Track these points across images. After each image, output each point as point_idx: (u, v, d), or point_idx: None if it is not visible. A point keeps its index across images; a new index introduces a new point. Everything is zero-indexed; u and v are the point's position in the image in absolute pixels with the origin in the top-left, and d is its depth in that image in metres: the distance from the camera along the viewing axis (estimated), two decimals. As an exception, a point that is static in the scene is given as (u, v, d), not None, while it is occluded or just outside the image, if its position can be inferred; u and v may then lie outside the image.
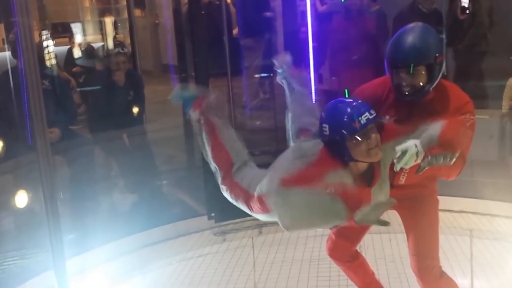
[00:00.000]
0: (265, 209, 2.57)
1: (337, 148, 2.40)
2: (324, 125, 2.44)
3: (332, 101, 2.51)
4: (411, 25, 2.68)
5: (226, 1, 6.68)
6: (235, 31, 7.08)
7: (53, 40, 5.96)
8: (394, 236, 4.41)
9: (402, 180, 2.80)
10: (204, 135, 2.94)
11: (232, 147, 2.87)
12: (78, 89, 5.75)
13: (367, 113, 2.38)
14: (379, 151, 2.41)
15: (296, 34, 5.73)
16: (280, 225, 2.45)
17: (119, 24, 7.74)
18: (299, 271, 4.13)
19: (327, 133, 2.43)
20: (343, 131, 2.37)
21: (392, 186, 2.79)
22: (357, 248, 3.18)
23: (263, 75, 7.26)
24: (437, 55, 2.56)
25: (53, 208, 2.72)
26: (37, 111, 2.65)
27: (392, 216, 4.77)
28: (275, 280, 4.05)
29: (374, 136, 2.39)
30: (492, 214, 4.77)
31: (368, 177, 2.50)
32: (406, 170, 2.62)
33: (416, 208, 2.83)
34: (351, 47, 6.33)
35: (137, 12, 8.68)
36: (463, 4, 5.47)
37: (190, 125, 5.65)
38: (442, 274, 2.93)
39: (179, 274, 4.23)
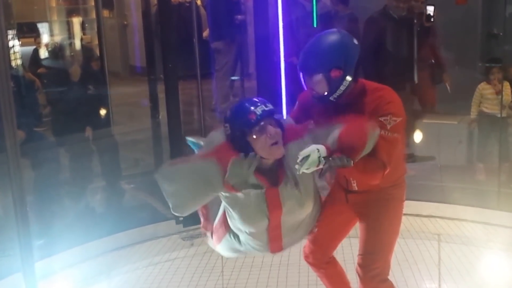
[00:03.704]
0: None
1: (240, 146, 2.40)
2: (225, 124, 2.45)
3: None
4: (326, 32, 2.63)
5: (196, 3, 6.64)
6: (205, 34, 7.05)
7: (18, 40, 5.85)
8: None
9: (355, 185, 2.77)
10: None
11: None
12: (44, 90, 5.65)
13: (262, 105, 2.38)
14: (281, 148, 2.40)
15: (267, 38, 5.70)
16: (170, 207, 2.54)
17: (86, 25, 7.63)
18: (268, 276, 4.10)
19: (229, 131, 2.43)
20: (241, 125, 2.38)
21: (348, 191, 2.81)
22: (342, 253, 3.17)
23: (233, 78, 7.24)
24: (333, 68, 2.49)
25: (22, 211, 2.71)
26: (7, 113, 2.61)
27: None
28: (244, 286, 4.01)
29: (274, 130, 2.37)
30: (460, 218, 4.81)
31: (273, 176, 2.48)
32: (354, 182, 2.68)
33: (371, 210, 2.77)
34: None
35: (105, 13, 8.55)
36: (428, 12, 5.53)
37: (159, 128, 5.64)
38: (385, 281, 2.81)
39: (146, 279, 4.17)
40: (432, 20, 5.56)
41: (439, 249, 4.27)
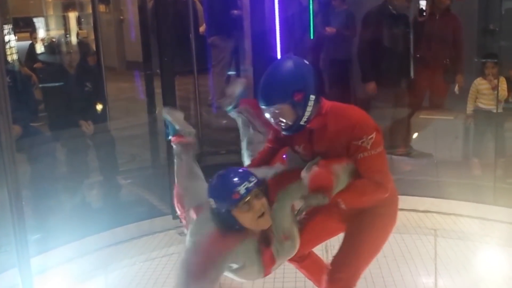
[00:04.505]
0: None
1: (227, 220, 2.39)
2: (210, 199, 2.44)
3: (216, 175, 2.51)
4: (276, 62, 2.67)
5: (193, -2, 6.62)
6: (202, 29, 7.03)
7: (14, 35, 5.83)
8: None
9: (343, 205, 2.71)
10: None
11: (188, 191, 2.89)
12: (40, 85, 5.64)
13: (245, 182, 2.35)
14: (268, 219, 2.39)
15: (264, 33, 5.69)
16: None
17: (82, 20, 7.61)
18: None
19: (214, 206, 2.43)
20: (226, 204, 2.36)
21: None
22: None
23: (230, 73, 7.24)
24: (295, 93, 2.49)
25: (18, 206, 2.69)
26: (2, 108, 2.60)
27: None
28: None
29: (260, 203, 2.36)
30: (456, 213, 4.82)
31: (265, 238, 2.50)
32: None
33: (357, 222, 2.75)
34: (318, 47, 6.35)
35: (102, 8, 8.54)
36: (421, 7, 5.55)
37: (155, 123, 5.64)
38: None
39: (143, 274, 4.16)
40: (424, 14, 5.57)
41: (435, 244, 4.28)
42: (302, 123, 2.56)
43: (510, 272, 3.90)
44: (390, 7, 5.62)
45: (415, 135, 5.75)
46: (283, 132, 2.64)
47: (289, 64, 2.57)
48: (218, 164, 4.74)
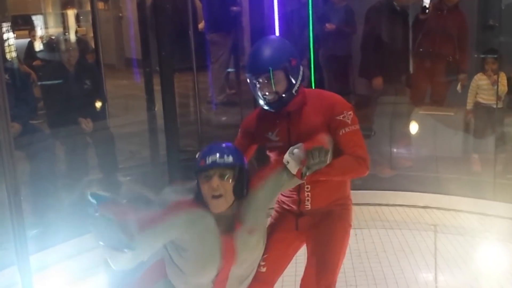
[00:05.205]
0: None
1: (197, 186, 2.37)
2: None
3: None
4: (264, 38, 2.77)
5: (192, -5, 6.61)
6: (201, 26, 7.03)
7: (13, 33, 5.83)
8: (359, 231, 4.43)
9: (308, 205, 2.73)
10: None
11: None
12: (39, 83, 5.63)
13: (217, 156, 2.31)
14: (222, 205, 2.31)
15: (263, 29, 5.69)
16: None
17: (81, 17, 7.60)
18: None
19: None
20: (195, 166, 2.36)
21: (299, 215, 2.77)
22: None
23: (229, 70, 7.23)
24: (291, 58, 2.61)
25: (17, 204, 2.69)
26: (1, 105, 2.61)
27: (358, 211, 4.81)
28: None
29: (219, 183, 2.29)
30: (456, 209, 4.82)
31: (228, 225, 2.39)
32: (308, 195, 2.68)
33: (321, 228, 2.73)
34: (318, 43, 6.34)
35: (100, 5, 8.53)
36: (424, 4, 5.52)
37: (154, 120, 5.63)
38: None
39: (143, 271, 4.15)
40: (427, 11, 5.55)
41: (435, 240, 4.29)
42: (293, 91, 2.62)
43: (509, 267, 3.91)
44: (395, 3, 5.59)
45: (414, 131, 5.74)
46: (268, 107, 2.64)
47: (278, 38, 2.83)
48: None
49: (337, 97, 2.72)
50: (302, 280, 2.68)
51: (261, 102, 2.65)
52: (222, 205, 2.32)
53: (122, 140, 5.70)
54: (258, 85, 2.60)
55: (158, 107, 5.44)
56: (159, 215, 2.31)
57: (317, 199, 2.72)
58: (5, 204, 2.73)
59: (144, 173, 5.74)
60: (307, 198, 2.72)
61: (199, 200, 2.36)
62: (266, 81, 2.57)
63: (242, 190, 2.37)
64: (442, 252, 4.10)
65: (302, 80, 2.66)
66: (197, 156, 2.42)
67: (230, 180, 2.32)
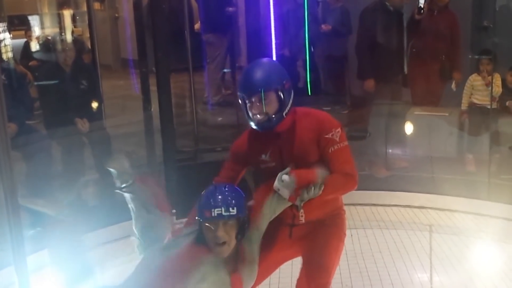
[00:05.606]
0: None
1: (200, 229, 2.39)
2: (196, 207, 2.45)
3: (214, 184, 2.54)
4: (257, 60, 2.81)
5: (188, -5, 6.62)
6: (197, 26, 7.03)
7: (9, 33, 5.82)
8: (355, 231, 4.44)
9: (302, 219, 2.78)
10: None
11: None
12: (35, 83, 5.63)
13: (223, 209, 2.32)
14: (226, 251, 2.35)
15: (259, 30, 5.71)
16: None
17: (77, 17, 7.60)
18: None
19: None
20: (199, 214, 2.37)
21: (293, 225, 2.80)
22: None
23: (225, 70, 7.24)
24: (284, 81, 2.66)
25: (13, 204, 2.68)
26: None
27: (354, 211, 4.83)
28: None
29: (224, 234, 2.32)
30: (451, 209, 4.85)
31: (234, 263, 2.45)
32: (302, 211, 2.72)
33: (316, 236, 2.77)
34: (314, 43, 6.37)
35: (97, 5, 8.53)
36: (419, 5, 5.54)
37: (151, 121, 5.64)
38: None
39: (139, 272, 4.16)
40: (422, 12, 5.58)
41: (430, 240, 4.31)
42: (284, 114, 2.65)
43: (504, 267, 3.93)
44: (387, 3, 5.60)
45: (409, 131, 5.76)
46: (258, 127, 2.67)
47: (272, 61, 2.91)
48: (214, 161, 4.74)
49: (325, 115, 2.77)
50: (298, 280, 2.72)
51: (251, 122, 2.69)
52: (226, 251, 2.36)
53: (118, 140, 5.70)
54: (249, 105, 2.64)
55: (154, 107, 5.45)
56: (180, 269, 2.35)
57: (311, 213, 2.76)
58: (1, 205, 2.73)
59: (140, 174, 5.72)
60: (301, 214, 2.77)
61: (202, 242, 2.39)
62: (257, 101, 2.61)
63: (244, 232, 2.42)
64: (437, 252, 4.12)
65: (291, 105, 2.68)
66: (199, 199, 2.41)
67: (234, 227, 2.36)
